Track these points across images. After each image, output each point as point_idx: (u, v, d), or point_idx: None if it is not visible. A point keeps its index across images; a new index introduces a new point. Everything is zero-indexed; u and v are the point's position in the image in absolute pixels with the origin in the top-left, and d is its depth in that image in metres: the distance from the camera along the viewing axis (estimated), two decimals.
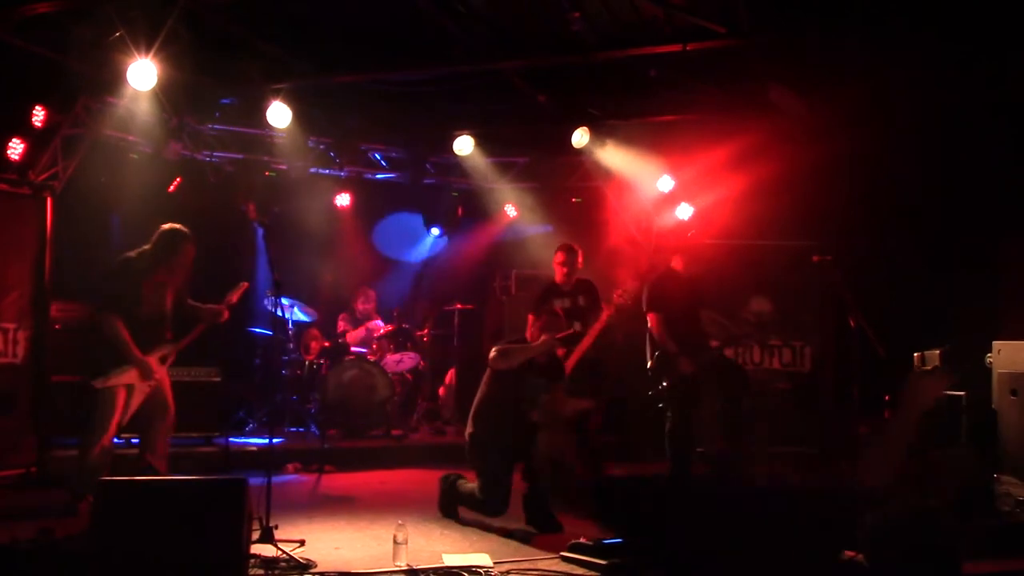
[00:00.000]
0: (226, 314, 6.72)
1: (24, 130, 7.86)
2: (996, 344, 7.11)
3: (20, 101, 7.89)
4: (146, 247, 6.49)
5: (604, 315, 7.33)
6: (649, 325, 7.41)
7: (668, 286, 7.49)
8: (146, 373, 6.29)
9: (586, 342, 7.22)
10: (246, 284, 6.80)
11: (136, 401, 6.33)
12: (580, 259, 7.70)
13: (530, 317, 6.83)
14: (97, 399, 6.24)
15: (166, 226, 6.50)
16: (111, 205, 9.56)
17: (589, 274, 8.12)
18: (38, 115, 7.90)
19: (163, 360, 6.47)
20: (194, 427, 8.61)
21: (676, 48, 7.96)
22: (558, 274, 7.64)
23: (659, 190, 10.17)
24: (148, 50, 7.43)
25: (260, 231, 9.20)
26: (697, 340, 7.43)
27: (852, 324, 7.19)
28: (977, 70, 8.16)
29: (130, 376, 6.26)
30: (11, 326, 7.78)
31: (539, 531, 6.01)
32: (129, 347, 6.21)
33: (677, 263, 7.56)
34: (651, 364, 7.42)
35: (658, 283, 7.53)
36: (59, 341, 8.33)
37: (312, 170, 10.38)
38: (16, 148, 7.79)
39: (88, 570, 4.44)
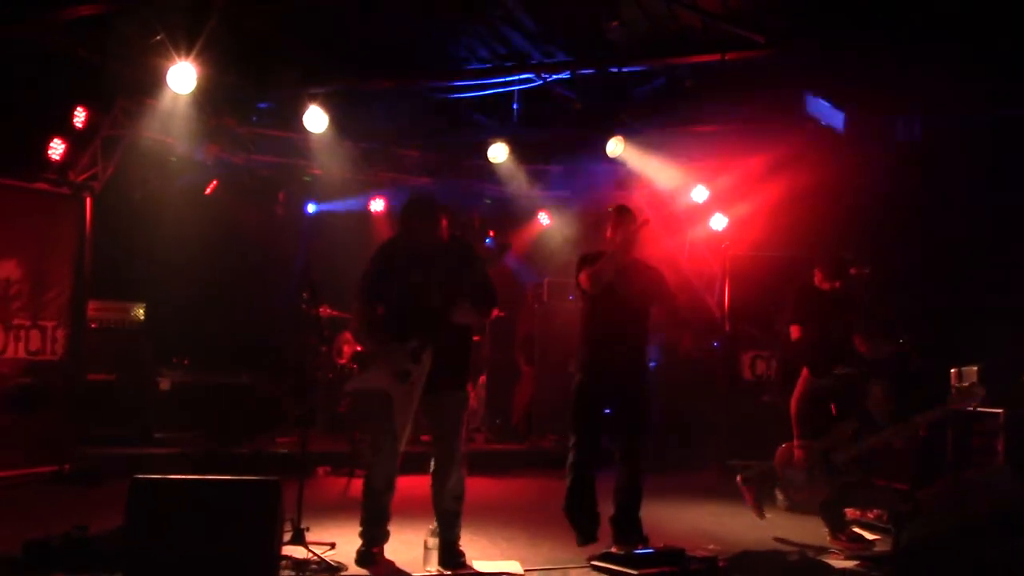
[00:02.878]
0: None
1: (65, 131, 7.97)
2: None
3: (61, 102, 8.01)
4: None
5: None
6: (793, 337, 7.11)
7: (811, 299, 7.16)
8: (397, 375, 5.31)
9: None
10: None
11: (401, 410, 5.38)
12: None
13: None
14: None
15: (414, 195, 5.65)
16: (149, 206, 9.66)
17: None
18: (79, 116, 8.01)
19: (415, 358, 5.27)
20: (226, 428, 8.70)
21: (715, 58, 7.93)
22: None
23: (693, 200, 10.12)
24: (188, 53, 7.50)
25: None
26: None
27: (856, 340, 7.07)
28: (1018, 84, 8.06)
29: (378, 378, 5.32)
30: (50, 324, 7.88)
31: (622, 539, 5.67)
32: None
33: (817, 278, 7.29)
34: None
35: (800, 296, 7.22)
36: (96, 340, 8.43)
37: (347, 175, 10.42)
38: (57, 148, 7.90)
39: (120, 567, 4.47)
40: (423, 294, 5.20)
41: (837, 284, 6.87)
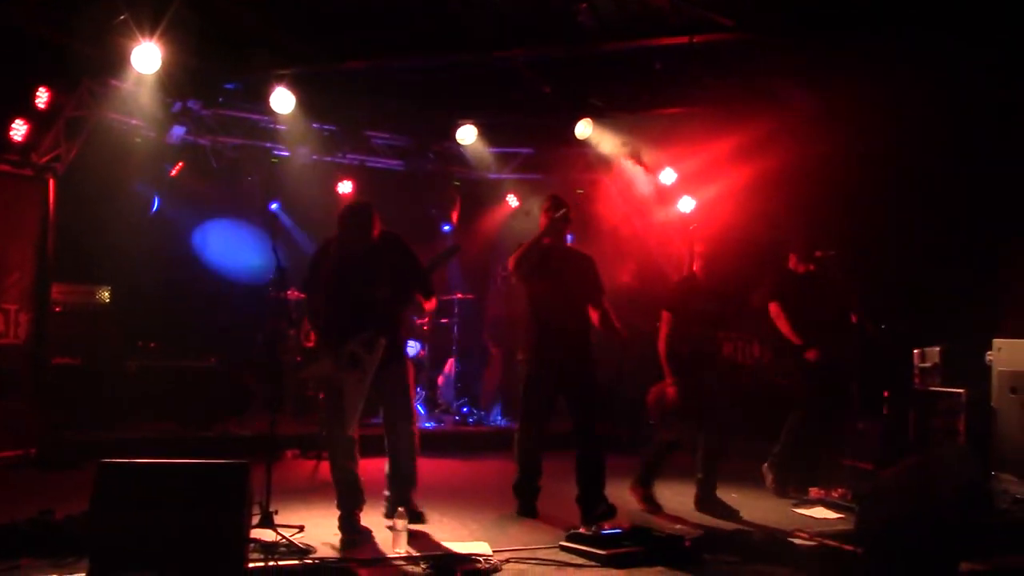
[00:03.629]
0: None
1: (27, 111, 7.86)
2: (996, 342, 7.12)
3: (24, 82, 7.88)
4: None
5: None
6: (771, 315, 7.28)
7: (788, 282, 7.37)
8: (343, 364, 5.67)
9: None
10: None
11: (352, 396, 5.74)
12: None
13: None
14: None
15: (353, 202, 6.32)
16: (114, 188, 9.56)
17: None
18: (42, 97, 7.89)
19: (368, 348, 5.64)
20: (193, 412, 8.66)
21: (683, 40, 7.95)
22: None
23: (662, 182, 10.17)
24: (152, 33, 7.42)
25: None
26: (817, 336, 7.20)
27: (854, 320, 7.18)
28: (986, 69, 8.14)
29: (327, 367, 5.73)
30: (12, 307, 7.80)
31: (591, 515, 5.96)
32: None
33: (792, 262, 7.46)
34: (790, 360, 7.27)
35: (779, 279, 7.42)
36: (60, 324, 8.34)
37: (315, 157, 10.36)
38: (19, 129, 7.80)
39: (87, 551, 4.45)
40: (370, 287, 5.59)
41: (811, 267, 7.12)
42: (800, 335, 7.12)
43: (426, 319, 10.59)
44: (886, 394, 8.05)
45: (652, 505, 6.55)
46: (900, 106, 8.76)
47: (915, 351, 7.92)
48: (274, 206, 10.35)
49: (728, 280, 6.94)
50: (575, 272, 6.31)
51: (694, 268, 6.88)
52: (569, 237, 7.08)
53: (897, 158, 9.26)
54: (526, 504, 6.26)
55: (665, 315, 6.66)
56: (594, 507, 6.05)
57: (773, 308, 7.26)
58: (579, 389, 6.21)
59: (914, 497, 5.04)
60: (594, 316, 6.35)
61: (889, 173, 9.37)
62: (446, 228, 11.67)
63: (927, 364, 7.79)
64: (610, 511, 6.03)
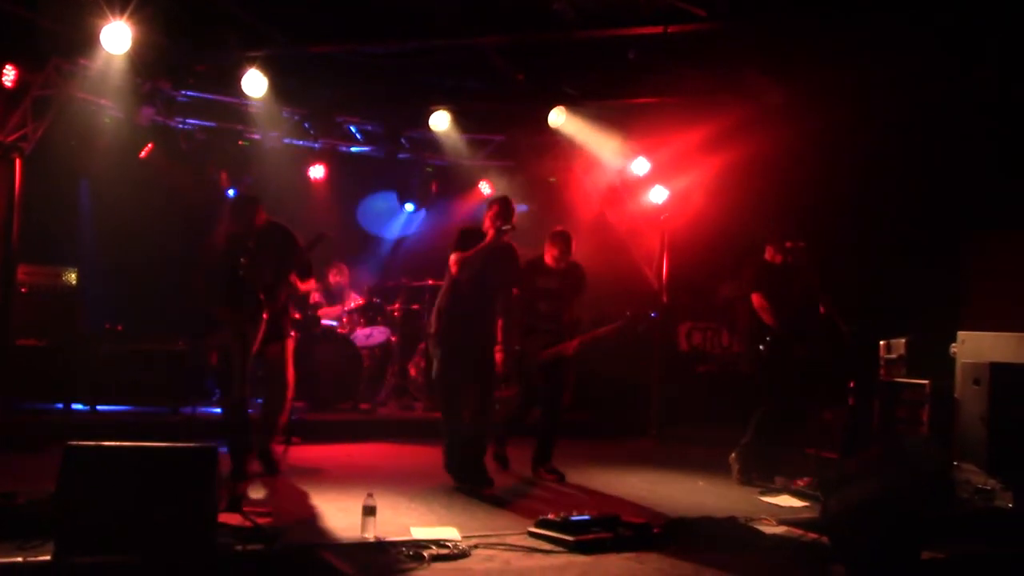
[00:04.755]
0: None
1: None
2: (961, 334, 7.21)
3: None
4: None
5: (612, 326, 7.46)
6: (754, 306, 7.33)
7: (766, 273, 7.44)
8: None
9: (579, 343, 7.31)
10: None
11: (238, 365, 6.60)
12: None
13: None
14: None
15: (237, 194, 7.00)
16: (81, 169, 9.45)
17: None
18: (8, 74, 7.78)
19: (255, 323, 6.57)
20: (160, 396, 8.59)
21: (657, 30, 7.96)
22: (548, 255, 7.41)
23: (634, 172, 10.19)
24: (123, 12, 7.33)
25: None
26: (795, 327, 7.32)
27: (821, 311, 7.24)
28: (951, 68, 8.23)
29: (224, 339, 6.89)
30: None
31: (470, 484, 6.37)
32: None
33: (769, 253, 7.50)
34: (762, 347, 7.30)
35: (758, 270, 7.48)
36: (25, 305, 8.24)
37: (286, 141, 10.30)
38: None
39: (51, 534, 4.42)
40: (256, 270, 6.38)
41: (789, 258, 7.23)
42: (781, 326, 7.19)
43: (396, 305, 10.58)
44: (852, 384, 8.13)
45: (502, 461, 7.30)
46: (866, 98, 8.86)
47: (881, 343, 8.00)
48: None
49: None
50: (494, 265, 6.57)
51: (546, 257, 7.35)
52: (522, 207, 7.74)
53: (862, 150, 9.37)
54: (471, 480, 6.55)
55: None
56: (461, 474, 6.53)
57: (756, 299, 7.29)
58: (482, 374, 6.58)
59: (877, 486, 5.11)
60: (499, 305, 6.69)
61: (855, 164, 9.48)
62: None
63: (893, 355, 7.87)
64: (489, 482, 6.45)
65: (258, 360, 6.60)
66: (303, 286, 6.81)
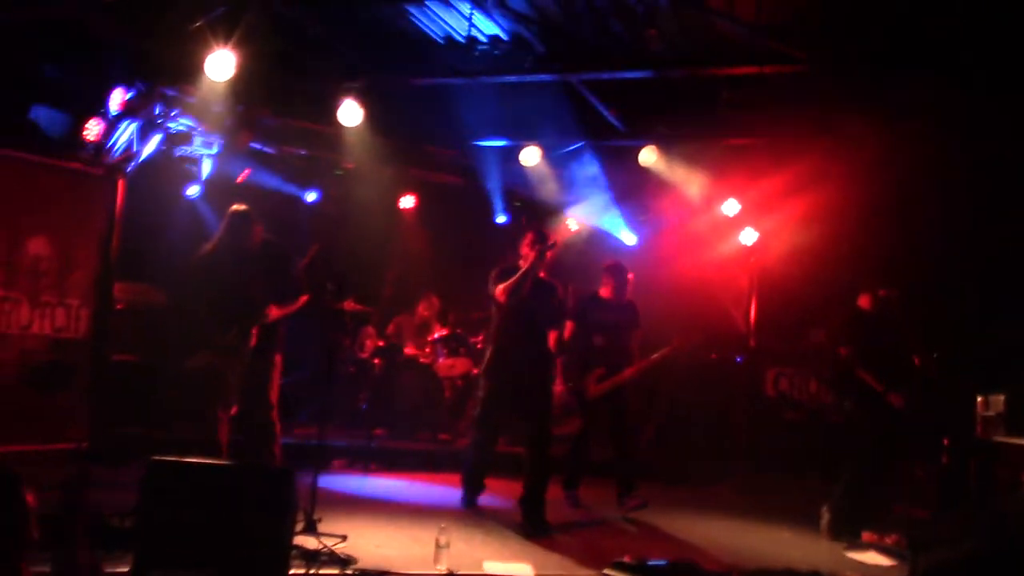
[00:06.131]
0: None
1: (102, 112, 7.99)
2: None
3: (100, 83, 8.02)
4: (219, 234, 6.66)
5: (661, 353, 7.49)
6: (843, 358, 7.11)
7: (859, 323, 7.29)
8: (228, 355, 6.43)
9: (633, 372, 7.36)
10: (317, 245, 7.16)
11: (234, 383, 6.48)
12: (630, 280, 7.60)
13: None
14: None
15: (235, 207, 6.66)
16: (180, 192, 9.70)
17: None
18: (116, 98, 8.02)
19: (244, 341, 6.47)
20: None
21: (753, 70, 7.87)
22: (605, 289, 7.54)
23: (724, 213, 10.06)
24: (227, 40, 7.52)
25: None
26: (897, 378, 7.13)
27: (916, 362, 7.00)
28: None
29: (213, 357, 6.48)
30: (75, 302, 7.94)
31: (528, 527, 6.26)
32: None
33: (864, 302, 7.33)
34: (848, 403, 7.19)
35: (850, 320, 7.34)
36: (121, 321, 8.46)
37: (378, 170, 10.43)
38: (93, 129, 7.93)
39: (132, 547, 4.48)
40: (246, 287, 6.35)
41: (883, 307, 7.07)
42: (877, 379, 6.96)
43: (480, 337, 10.57)
44: (946, 442, 7.83)
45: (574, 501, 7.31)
46: (969, 149, 8.59)
47: (979, 398, 7.69)
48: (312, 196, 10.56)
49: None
50: (541, 299, 6.65)
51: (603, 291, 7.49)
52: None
53: (958, 200, 9.07)
54: (472, 494, 6.94)
55: (569, 324, 7.22)
56: (533, 517, 6.37)
57: (846, 352, 7.07)
58: (535, 406, 6.58)
59: (972, 549, 4.87)
60: (551, 338, 6.72)
61: (953, 213, 9.18)
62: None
63: (991, 412, 7.54)
64: (546, 529, 6.30)
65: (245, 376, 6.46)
66: (276, 312, 6.51)
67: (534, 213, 11.39)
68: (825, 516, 7.03)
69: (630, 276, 7.56)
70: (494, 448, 6.97)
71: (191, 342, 6.83)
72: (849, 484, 7.00)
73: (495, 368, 6.66)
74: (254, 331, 6.34)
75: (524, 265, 6.52)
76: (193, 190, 9.78)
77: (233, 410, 6.36)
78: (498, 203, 11.38)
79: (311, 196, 10.82)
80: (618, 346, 7.37)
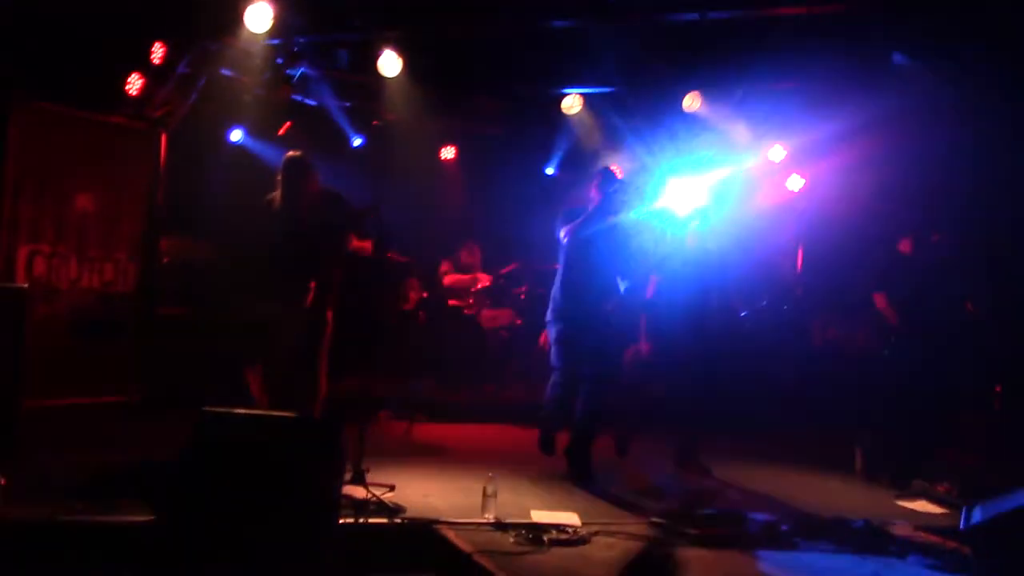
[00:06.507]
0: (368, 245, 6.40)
1: (143, 66, 7.99)
2: None
3: (140, 37, 8.02)
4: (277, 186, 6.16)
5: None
6: (877, 306, 7.14)
7: (895, 268, 7.20)
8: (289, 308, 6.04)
9: None
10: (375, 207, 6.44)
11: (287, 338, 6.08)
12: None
13: None
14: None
15: (290, 154, 6.24)
16: (223, 145, 9.71)
17: None
18: (157, 52, 8.01)
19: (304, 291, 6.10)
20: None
21: (800, 11, 7.67)
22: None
23: (770, 159, 9.88)
24: None
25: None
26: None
27: (969, 308, 6.87)
28: None
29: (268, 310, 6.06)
30: (122, 256, 8.02)
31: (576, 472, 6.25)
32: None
33: (904, 247, 7.23)
34: (887, 350, 7.15)
35: (887, 266, 7.26)
36: (167, 274, 8.53)
37: (418, 120, 10.36)
38: (134, 84, 7.94)
39: (180, 498, 4.53)
40: (308, 238, 5.98)
41: (924, 251, 6.92)
42: (906, 321, 6.87)
43: (524, 288, 10.55)
44: (998, 388, 7.71)
45: (704, 468, 6.91)
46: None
47: None
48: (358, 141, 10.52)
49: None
50: (609, 244, 6.50)
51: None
52: None
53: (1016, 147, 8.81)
54: (548, 442, 6.58)
55: (652, 279, 7.01)
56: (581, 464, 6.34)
57: (879, 299, 7.01)
58: (599, 347, 6.43)
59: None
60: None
61: (1007, 160, 8.93)
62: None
63: None
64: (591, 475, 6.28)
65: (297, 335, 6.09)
66: (360, 244, 6.25)
67: (574, 162, 11.29)
68: (859, 460, 7.02)
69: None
70: (576, 392, 6.58)
71: (245, 295, 6.40)
72: (874, 427, 6.99)
73: (563, 310, 6.53)
74: (312, 286, 6.04)
75: (590, 207, 6.46)
76: (236, 135, 9.77)
77: (259, 368, 6.08)
78: (542, 154, 11.29)
79: (357, 141, 10.74)
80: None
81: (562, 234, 6.52)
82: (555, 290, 6.64)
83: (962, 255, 7.37)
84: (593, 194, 6.55)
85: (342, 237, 6.17)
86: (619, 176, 6.61)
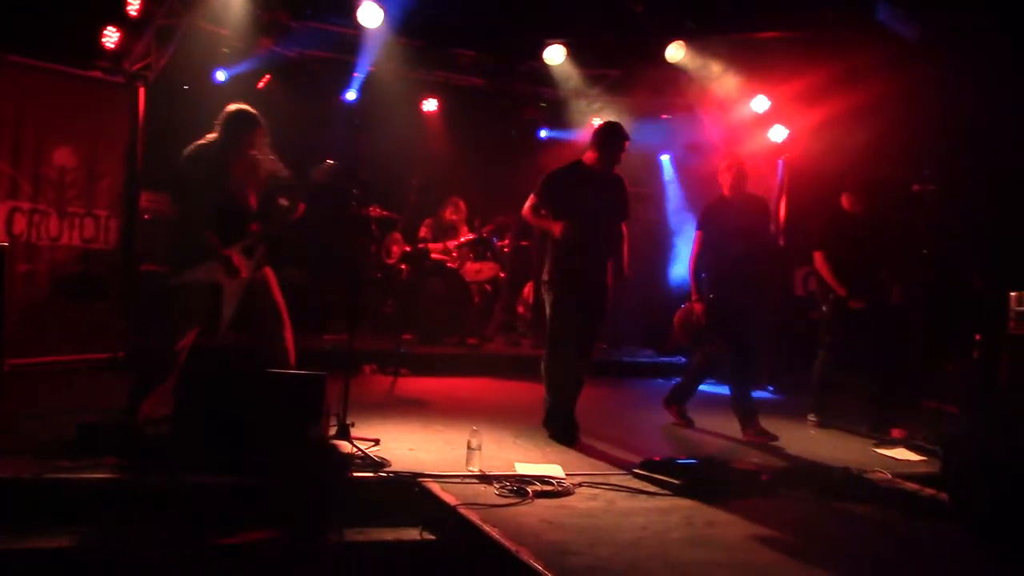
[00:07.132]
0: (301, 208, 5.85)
1: (119, 19, 7.87)
2: None
3: None
4: (214, 133, 5.69)
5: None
6: (815, 264, 7.22)
7: (838, 226, 7.22)
8: (230, 270, 5.43)
9: None
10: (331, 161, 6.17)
11: (230, 301, 5.45)
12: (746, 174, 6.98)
13: None
14: (175, 297, 5.47)
15: (232, 107, 5.73)
16: (201, 97, 9.59)
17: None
18: (133, 4, 7.89)
19: (249, 254, 5.56)
20: None
21: None
22: (728, 188, 6.93)
23: (753, 109, 9.84)
24: None
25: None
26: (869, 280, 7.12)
27: (976, 284, 6.94)
28: None
29: (212, 272, 5.42)
30: (103, 213, 7.96)
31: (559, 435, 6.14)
32: (211, 240, 5.40)
33: (846, 202, 7.25)
34: (825, 307, 7.29)
35: (829, 223, 7.29)
36: (148, 231, 8.47)
37: (400, 72, 10.27)
38: (111, 36, 7.83)
39: (168, 453, 4.56)
40: (240, 200, 5.54)
41: (865, 207, 7.11)
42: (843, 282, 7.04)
43: (507, 241, 10.54)
44: (977, 337, 7.77)
45: (686, 419, 7.01)
46: (1009, 41, 8.29)
47: (1012, 294, 7.59)
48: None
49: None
50: (607, 196, 6.27)
51: (724, 191, 6.91)
52: None
53: (1002, 96, 8.79)
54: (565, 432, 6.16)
55: (697, 234, 6.85)
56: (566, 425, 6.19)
57: (818, 257, 7.18)
58: (598, 309, 6.27)
59: (1005, 444, 4.86)
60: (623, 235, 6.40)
61: (993, 109, 8.92)
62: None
63: (1023, 308, 7.47)
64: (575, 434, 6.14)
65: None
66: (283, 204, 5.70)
67: (558, 114, 11.23)
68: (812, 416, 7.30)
69: (745, 169, 6.92)
70: (582, 364, 6.28)
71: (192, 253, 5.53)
72: (814, 381, 7.31)
73: (560, 273, 6.16)
74: (261, 247, 5.57)
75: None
76: (220, 75, 9.64)
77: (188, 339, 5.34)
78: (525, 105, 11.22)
79: (351, 95, 10.61)
80: (752, 253, 6.85)
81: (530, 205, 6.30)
82: (550, 253, 6.27)
83: (942, 207, 7.40)
84: (594, 153, 6.22)
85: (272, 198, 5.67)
86: (623, 131, 6.25)
